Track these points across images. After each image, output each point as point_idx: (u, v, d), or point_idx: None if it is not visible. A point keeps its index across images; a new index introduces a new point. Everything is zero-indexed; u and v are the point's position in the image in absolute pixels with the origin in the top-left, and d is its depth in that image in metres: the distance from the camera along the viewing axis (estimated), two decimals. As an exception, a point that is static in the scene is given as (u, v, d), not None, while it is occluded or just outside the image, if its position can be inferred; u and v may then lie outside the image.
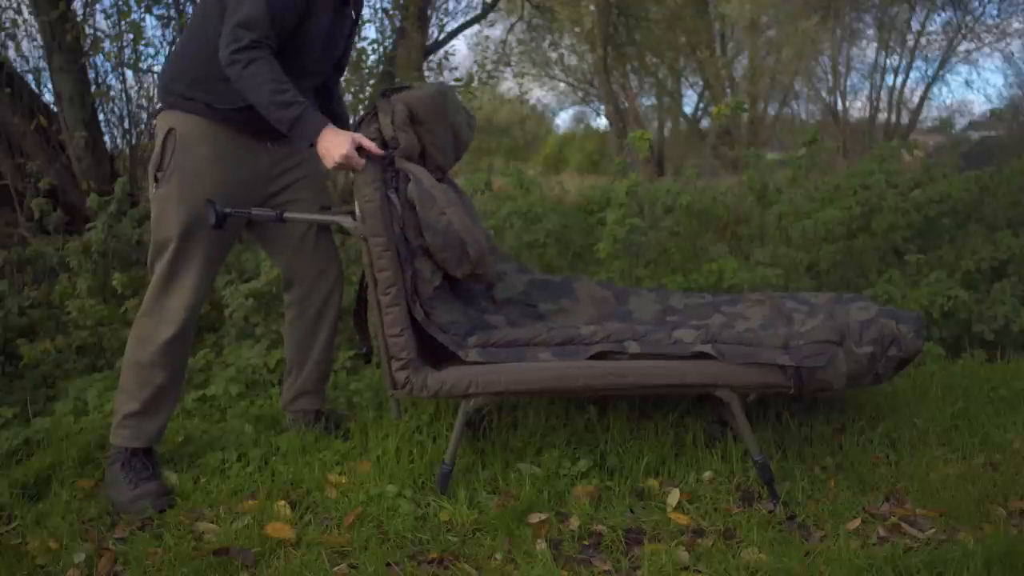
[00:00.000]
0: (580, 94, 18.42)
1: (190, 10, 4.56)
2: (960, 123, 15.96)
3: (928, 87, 15.54)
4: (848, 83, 15.78)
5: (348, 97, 5.00)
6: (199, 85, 2.09)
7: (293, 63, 2.08)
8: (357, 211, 2.11)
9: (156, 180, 2.10)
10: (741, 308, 2.48)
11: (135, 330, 2.14)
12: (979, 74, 40.79)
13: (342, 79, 4.79)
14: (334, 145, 2.00)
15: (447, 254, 2.12)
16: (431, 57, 7.76)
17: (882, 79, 15.25)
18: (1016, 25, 15.86)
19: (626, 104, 15.77)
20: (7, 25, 4.38)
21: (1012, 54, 15.75)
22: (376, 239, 2.08)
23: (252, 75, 1.95)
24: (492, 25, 12.98)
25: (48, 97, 4.54)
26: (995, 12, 15.16)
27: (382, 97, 2.16)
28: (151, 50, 4.37)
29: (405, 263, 2.10)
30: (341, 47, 2.29)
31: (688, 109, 17.08)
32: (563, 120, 30.77)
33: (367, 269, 2.12)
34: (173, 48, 2.54)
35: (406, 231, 2.11)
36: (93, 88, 4.39)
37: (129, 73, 4.39)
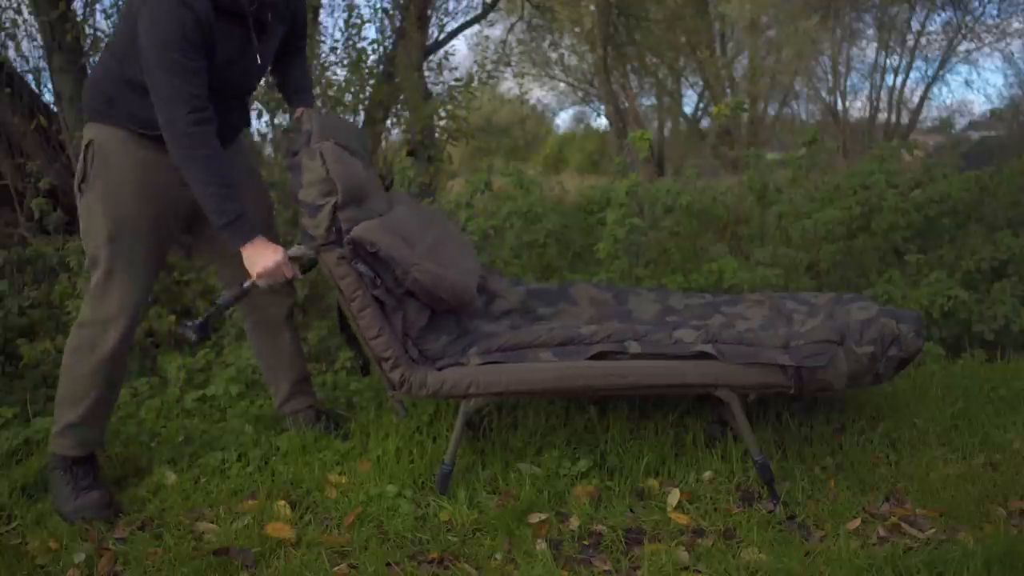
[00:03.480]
0: (580, 94, 18.42)
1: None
2: (960, 123, 16.02)
3: (928, 87, 15.56)
4: (848, 83, 15.81)
5: (348, 97, 4.99)
6: (115, 104, 2.05)
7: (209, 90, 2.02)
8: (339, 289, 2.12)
9: (80, 191, 2.07)
10: (741, 308, 2.48)
11: (71, 340, 2.09)
12: (979, 74, 40.85)
13: (342, 80, 4.72)
14: (261, 258, 2.01)
15: (425, 300, 2.14)
16: (431, 57, 7.75)
17: (882, 79, 15.27)
18: (1016, 25, 15.90)
19: (626, 104, 15.76)
20: (7, 25, 4.37)
21: (1012, 54, 15.83)
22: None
23: (189, 167, 1.95)
24: (492, 25, 12.98)
25: (48, 97, 4.53)
26: (995, 12, 15.20)
27: (304, 146, 2.12)
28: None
29: (393, 311, 2.11)
30: (267, 60, 2.20)
31: (688, 109, 17.09)
32: (563, 120, 30.78)
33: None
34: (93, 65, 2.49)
35: (386, 283, 2.11)
36: (93, 88, 4.39)
37: (129, 73, 4.38)
